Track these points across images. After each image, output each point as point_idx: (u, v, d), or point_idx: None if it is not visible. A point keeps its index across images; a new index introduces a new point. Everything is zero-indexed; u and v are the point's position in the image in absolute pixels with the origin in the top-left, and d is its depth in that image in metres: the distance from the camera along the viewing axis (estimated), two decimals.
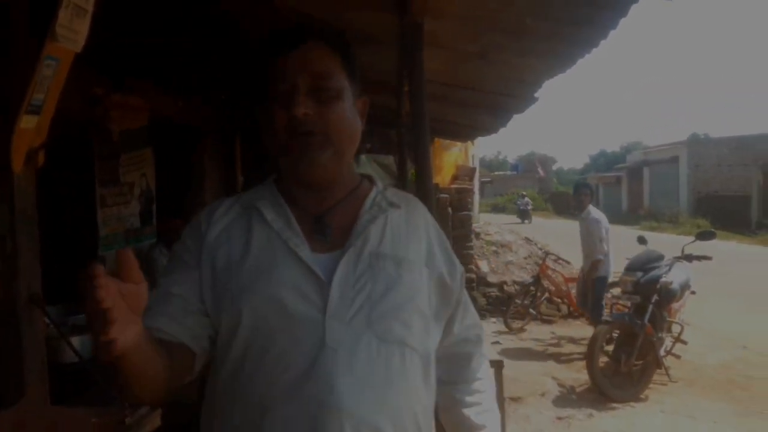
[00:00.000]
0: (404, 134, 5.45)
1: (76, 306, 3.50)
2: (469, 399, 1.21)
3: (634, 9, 2.28)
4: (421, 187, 2.26)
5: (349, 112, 1.05)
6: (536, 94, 3.43)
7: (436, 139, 7.69)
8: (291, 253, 1.02)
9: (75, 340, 2.15)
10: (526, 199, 28.51)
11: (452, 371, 1.21)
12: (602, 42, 2.55)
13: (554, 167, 53.08)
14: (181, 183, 5.71)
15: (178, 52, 3.85)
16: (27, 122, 1.78)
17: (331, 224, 1.06)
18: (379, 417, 0.97)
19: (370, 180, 1.18)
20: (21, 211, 1.85)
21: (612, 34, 2.50)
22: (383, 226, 1.08)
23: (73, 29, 1.73)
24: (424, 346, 1.06)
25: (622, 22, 2.40)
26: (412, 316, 1.04)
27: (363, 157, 9.54)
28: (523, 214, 26.58)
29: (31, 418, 1.77)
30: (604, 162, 50.03)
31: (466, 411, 1.20)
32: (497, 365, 2.64)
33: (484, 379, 1.25)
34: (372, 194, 1.12)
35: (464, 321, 1.21)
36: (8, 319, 1.86)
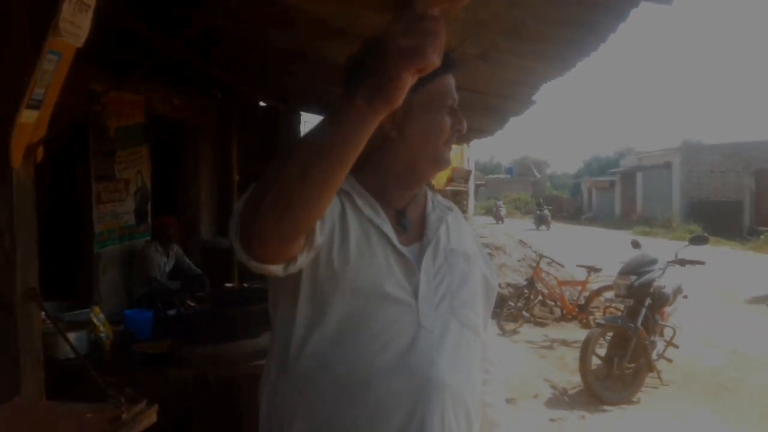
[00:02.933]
0: None
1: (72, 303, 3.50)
2: (487, 399, 1.31)
3: (632, 14, 2.30)
4: None
5: None
6: (534, 97, 3.44)
7: None
8: (384, 239, 1.11)
9: (71, 336, 2.14)
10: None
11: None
12: (602, 45, 2.57)
13: (548, 171, 53.27)
14: (176, 181, 5.70)
15: (176, 49, 3.84)
16: (27, 117, 1.77)
17: (410, 218, 1.18)
18: (467, 394, 1.10)
19: None
20: (19, 207, 1.84)
21: (611, 37, 2.52)
22: (447, 224, 1.21)
23: (76, 24, 1.73)
24: (482, 333, 1.20)
25: (622, 26, 2.42)
26: (479, 307, 1.18)
27: None
28: (541, 220, 24.79)
29: (26, 413, 1.76)
30: (598, 167, 50.20)
31: (487, 411, 1.30)
32: None
33: (497, 378, 1.36)
34: (429, 196, 1.26)
35: (488, 316, 1.31)
36: (5, 314, 1.85)
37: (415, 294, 1.08)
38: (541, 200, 29.14)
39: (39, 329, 1.94)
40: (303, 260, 1.00)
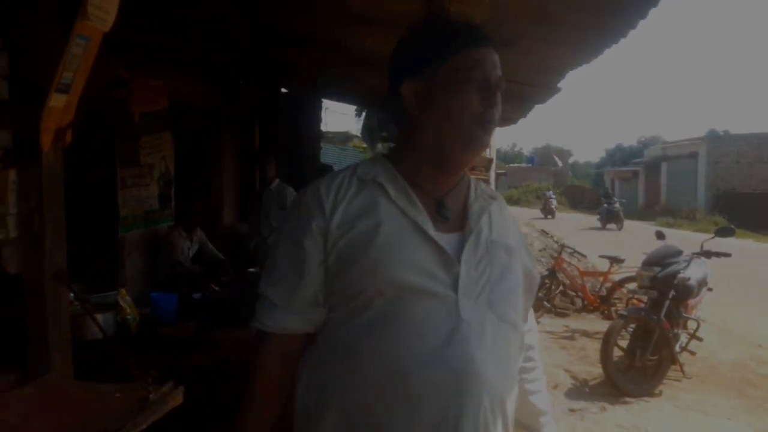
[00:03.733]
0: None
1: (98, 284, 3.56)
2: (531, 387, 1.31)
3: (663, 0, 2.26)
4: None
5: None
6: (559, 85, 3.40)
7: None
8: (419, 230, 1.07)
9: (99, 317, 2.18)
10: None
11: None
12: (630, 32, 2.52)
13: (570, 160, 52.65)
14: (199, 166, 5.75)
15: (199, 36, 3.86)
16: (56, 101, 1.79)
17: (450, 207, 1.14)
18: (504, 389, 1.07)
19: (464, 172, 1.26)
20: (48, 190, 1.87)
21: (641, 24, 2.47)
22: (489, 215, 1.16)
23: (103, 8, 1.74)
24: (522, 328, 1.17)
25: (651, 12, 2.37)
26: (519, 301, 1.14)
27: (380, 145, 9.54)
28: (610, 216, 20.99)
29: (55, 392, 1.80)
30: (621, 156, 49.49)
31: (532, 398, 1.31)
32: None
33: (539, 367, 1.35)
34: (471, 183, 1.21)
35: (528, 309, 1.28)
36: (34, 294, 1.89)
37: (455, 286, 1.05)
38: (608, 189, 26.01)
39: (67, 310, 1.98)
40: (323, 312, 1.12)
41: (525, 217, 17.43)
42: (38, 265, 1.88)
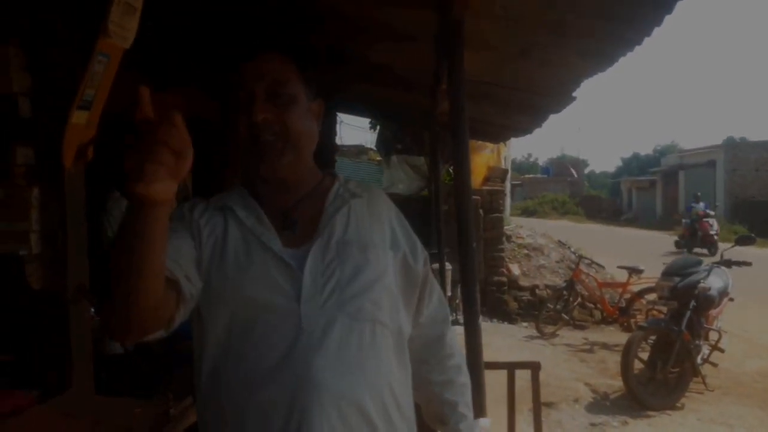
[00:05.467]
0: (437, 134, 5.43)
1: None
2: (442, 377, 1.28)
3: (678, 6, 2.24)
4: (459, 188, 2.24)
5: (305, 115, 1.14)
6: (574, 93, 3.38)
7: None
8: (264, 247, 1.09)
9: None
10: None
11: (425, 350, 1.28)
12: (646, 40, 2.51)
13: (586, 170, 52.36)
14: (215, 182, 5.79)
15: (212, 50, 3.90)
16: (78, 117, 1.81)
17: (297, 218, 1.14)
18: (357, 391, 1.04)
19: (333, 176, 1.26)
20: (71, 206, 1.90)
21: (655, 31, 2.45)
22: (347, 215, 1.16)
23: (123, 26, 1.77)
24: (394, 322, 1.14)
25: (666, 19, 2.36)
26: (381, 295, 1.11)
27: (394, 157, 9.54)
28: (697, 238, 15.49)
29: (76, 407, 1.81)
30: (637, 165, 49.08)
31: (437, 389, 1.28)
32: (534, 367, 2.60)
33: (454, 354, 1.31)
34: (335, 188, 1.20)
35: (431, 301, 1.27)
36: (56, 310, 1.91)
37: (298, 297, 1.06)
38: (698, 193, 18.06)
39: (89, 325, 1.99)
40: (182, 314, 1.04)
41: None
42: (61, 280, 1.90)
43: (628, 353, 4.85)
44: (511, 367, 2.60)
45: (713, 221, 16.08)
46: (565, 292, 7.59)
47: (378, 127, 10.02)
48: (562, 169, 46.45)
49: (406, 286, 1.19)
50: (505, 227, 9.91)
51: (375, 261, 1.12)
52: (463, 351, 1.55)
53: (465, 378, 1.32)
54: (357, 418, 1.04)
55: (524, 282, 8.86)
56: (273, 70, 1.11)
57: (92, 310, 2.00)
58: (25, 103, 1.83)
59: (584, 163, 51.13)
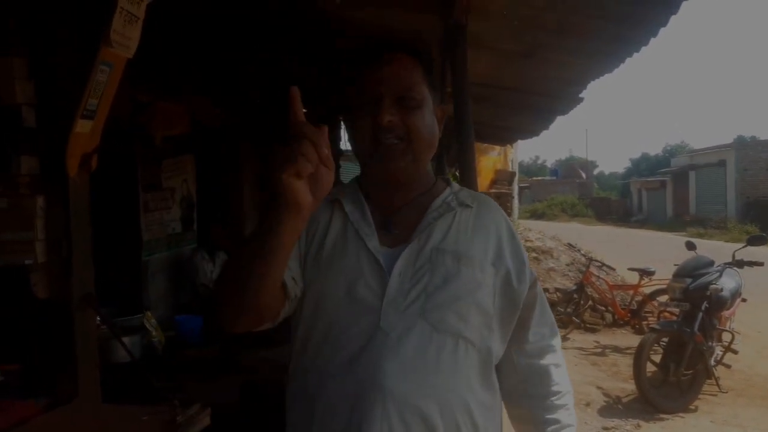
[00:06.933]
0: (442, 137, 5.42)
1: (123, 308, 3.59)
2: (547, 416, 1.19)
3: (684, 6, 2.22)
4: None
5: (429, 120, 1.12)
6: (581, 95, 3.37)
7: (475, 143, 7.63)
8: (361, 242, 1.10)
9: (126, 340, 2.19)
10: None
11: (530, 384, 1.20)
12: (652, 40, 2.49)
13: (595, 172, 52.13)
14: (221, 189, 5.80)
15: (218, 59, 3.92)
16: (82, 127, 1.83)
17: (399, 221, 1.14)
18: (424, 401, 1.01)
19: (447, 182, 1.24)
20: (76, 214, 1.90)
21: (662, 32, 2.44)
22: (449, 223, 1.14)
23: (125, 35, 1.78)
24: (483, 341, 1.09)
25: (672, 19, 2.34)
26: (470, 310, 1.07)
27: None
28: None
29: (84, 415, 1.81)
30: (647, 166, 48.77)
31: (546, 429, 1.18)
32: None
33: (563, 392, 1.21)
34: (443, 195, 1.18)
35: (541, 328, 1.21)
36: (63, 319, 1.91)
37: (382, 296, 1.05)
38: None
39: (95, 333, 1.99)
40: (287, 310, 1.08)
41: None
42: (67, 289, 1.90)
43: (640, 356, 4.80)
44: None
45: None
46: (575, 295, 7.53)
47: None
48: (570, 170, 46.28)
49: (505, 306, 1.13)
50: None
51: (468, 274, 1.09)
52: None
53: (572, 419, 1.21)
54: (423, 426, 1.01)
55: None
56: (402, 73, 1.10)
57: (98, 318, 2.00)
58: (29, 114, 1.84)
59: (593, 165, 50.89)
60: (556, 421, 1.18)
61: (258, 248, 0.90)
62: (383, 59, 1.11)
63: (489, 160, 9.94)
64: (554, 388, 1.20)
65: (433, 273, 1.07)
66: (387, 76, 1.09)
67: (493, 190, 9.07)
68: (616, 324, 7.71)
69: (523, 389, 1.19)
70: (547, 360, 1.21)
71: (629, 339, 6.89)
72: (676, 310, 5.28)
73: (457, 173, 4.59)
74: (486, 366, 1.10)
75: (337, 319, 1.05)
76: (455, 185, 1.23)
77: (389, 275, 1.06)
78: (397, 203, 1.16)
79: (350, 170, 11.95)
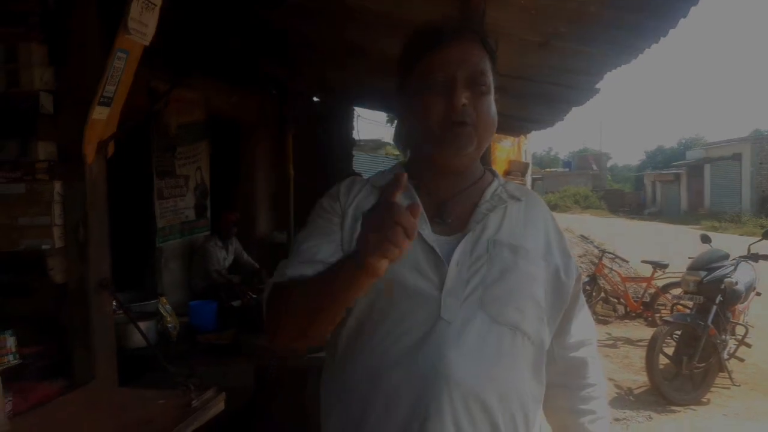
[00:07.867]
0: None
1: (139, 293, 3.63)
2: (583, 407, 1.20)
3: None
4: None
5: (494, 108, 1.10)
6: (598, 86, 3.33)
7: None
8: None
9: (141, 325, 2.22)
10: None
11: (568, 375, 1.21)
12: (671, 31, 2.46)
13: (608, 164, 51.68)
14: (234, 177, 5.83)
15: (233, 48, 3.92)
16: (99, 113, 1.84)
17: (452, 210, 1.12)
18: (486, 391, 1.01)
19: (493, 173, 1.22)
20: (93, 201, 1.92)
21: (681, 22, 2.40)
22: (502, 215, 1.12)
23: (143, 23, 1.78)
24: (537, 334, 1.09)
25: (692, 10, 2.30)
26: (527, 303, 1.07)
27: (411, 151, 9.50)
28: None
29: (101, 398, 1.84)
30: (662, 158, 48.32)
31: (582, 419, 1.19)
32: None
33: (598, 384, 1.23)
34: (494, 186, 1.16)
35: (581, 322, 1.21)
36: (79, 304, 1.93)
37: (441, 286, 1.03)
38: None
39: (111, 318, 2.02)
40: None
41: None
42: (83, 274, 1.92)
43: (653, 348, 4.78)
44: None
45: None
46: (587, 287, 7.50)
47: (395, 122, 10.00)
48: (583, 162, 45.92)
49: (554, 300, 1.13)
50: None
51: (525, 267, 1.08)
52: None
53: (606, 411, 1.22)
54: (483, 420, 1.01)
55: None
56: (475, 57, 1.07)
57: (114, 303, 2.02)
58: (47, 100, 1.85)
59: (606, 157, 50.41)
60: (592, 412, 1.19)
61: (327, 298, 0.93)
62: (453, 41, 1.07)
63: (503, 151, 9.87)
64: (590, 380, 1.22)
65: (491, 264, 1.06)
66: (459, 58, 1.06)
67: (500, 177, 8.99)
68: (628, 316, 7.67)
69: (561, 381, 1.20)
70: (585, 353, 1.22)
71: (641, 331, 6.85)
72: (690, 303, 5.25)
73: None
74: (538, 358, 1.10)
75: (394, 310, 1.03)
76: (500, 177, 1.21)
77: (447, 265, 1.04)
78: (450, 192, 1.13)
79: (363, 160, 11.94)
